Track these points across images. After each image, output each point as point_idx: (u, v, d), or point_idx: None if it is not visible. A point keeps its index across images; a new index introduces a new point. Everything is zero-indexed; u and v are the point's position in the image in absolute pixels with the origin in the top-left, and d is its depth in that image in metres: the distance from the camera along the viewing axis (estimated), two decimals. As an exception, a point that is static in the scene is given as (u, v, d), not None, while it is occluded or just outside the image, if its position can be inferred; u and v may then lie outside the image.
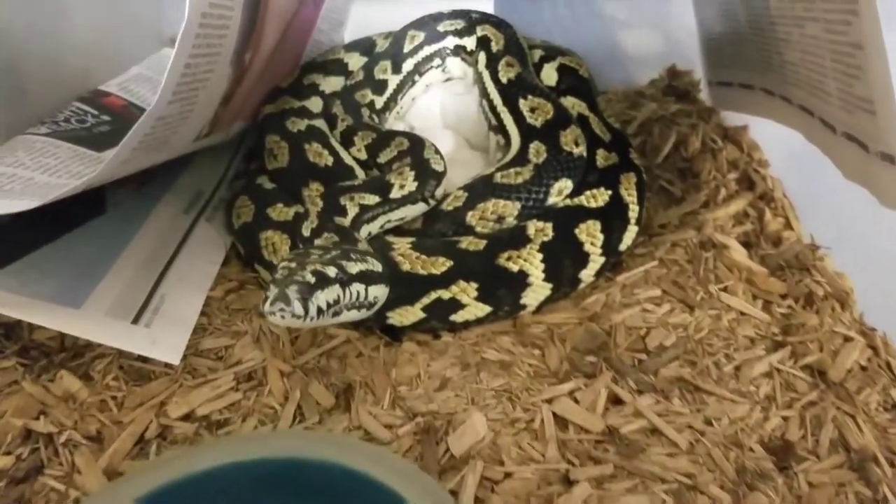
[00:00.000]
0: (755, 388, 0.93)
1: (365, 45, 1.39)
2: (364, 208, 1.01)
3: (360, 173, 1.15)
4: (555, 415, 0.88)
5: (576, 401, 0.90)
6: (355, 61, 1.36)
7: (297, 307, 0.73)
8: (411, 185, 1.04)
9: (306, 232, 0.95)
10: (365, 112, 1.24)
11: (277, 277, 0.76)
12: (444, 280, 0.99)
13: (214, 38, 0.83)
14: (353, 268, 0.83)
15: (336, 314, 0.80)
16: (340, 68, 1.35)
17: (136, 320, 0.91)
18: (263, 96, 1.27)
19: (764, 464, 0.83)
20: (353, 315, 0.85)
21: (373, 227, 1.04)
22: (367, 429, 0.86)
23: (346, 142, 1.20)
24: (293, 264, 0.79)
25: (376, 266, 0.88)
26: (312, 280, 0.76)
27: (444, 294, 0.98)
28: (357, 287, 0.83)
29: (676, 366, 0.95)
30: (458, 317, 1.00)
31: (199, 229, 1.14)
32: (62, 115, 1.15)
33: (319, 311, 0.76)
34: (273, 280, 0.76)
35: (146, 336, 0.90)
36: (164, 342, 0.90)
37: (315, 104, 1.28)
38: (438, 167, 1.08)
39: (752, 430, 0.87)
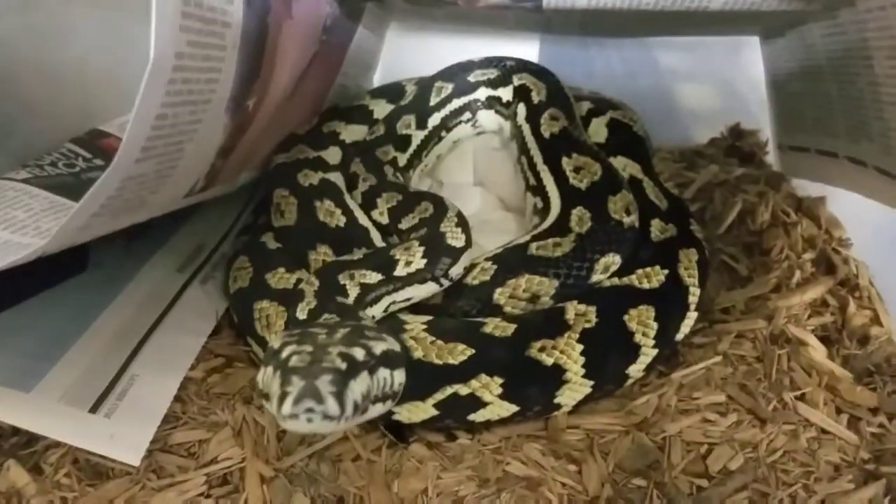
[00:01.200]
0: (844, 533, 0.74)
1: (393, 92, 1.26)
2: (366, 287, 0.86)
3: (377, 237, 1.01)
4: (591, 558, 0.70)
5: (618, 540, 0.72)
6: (381, 108, 1.23)
7: (332, 406, 0.56)
8: (419, 263, 0.88)
9: (301, 314, 0.78)
10: (388, 170, 1.10)
11: (292, 366, 0.59)
12: (463, 372, 0.83)
13: (200, 84, 0.69)
14: (377, 347, 0.66)
15: (364, 411, 0.63)
16: (364, 116, 1.21)
17: (95, 408, 0.78)
18: (276, 144, 1.14)
19: None
20: (378, 409, 0.67)
21: (376, 311, 0.88)
22: (358, 562, 0.70)
23: (369, 204, 1.05)
24: (307, 347, 0.62)
25: (395, 345, 0.72)
26: (344, 367, 0.59)
27: (462, 389, 0.82)
28: (384, 373, 0.66)
29: (744, 498, 0.77)
30: (477, 416, 0.84)
31: (191, 293, 1.01)
32: (48, 158, 1.03)
33: (355, 407, 0.59)
34: (286, 369, 0.59)
35: (104, 429, 0.76)
36: (125, 437, 0.76)
37: (333, 155, 1.14)
38: (456, 242, 0.92)
39: None
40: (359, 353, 0.63)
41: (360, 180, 1.07)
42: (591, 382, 0.87)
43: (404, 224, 1.01)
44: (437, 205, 0.98)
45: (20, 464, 0.78)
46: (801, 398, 0.89)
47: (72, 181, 1.00)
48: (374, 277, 0.86)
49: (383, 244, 1.00)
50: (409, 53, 1.55)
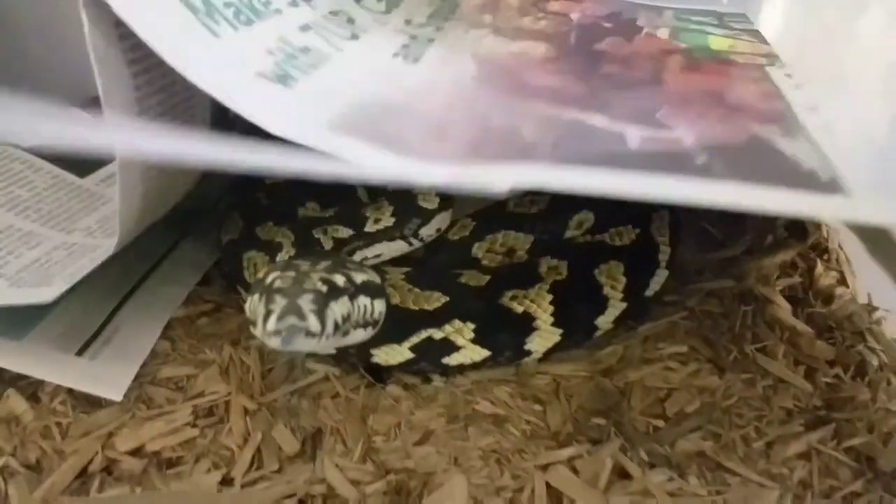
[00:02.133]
0: (788, 470, 0.78)
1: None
2: (339, 242, 0.92)
3: (363, 194, 1.06)
4: (548, 486, 0.75)
5: (575, 470, 0.77)
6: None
7: (314, 322, 0.60)
8: (387, 221, 0.94)
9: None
10: None
11: (276, 287, 0.62)
12: (437, 318, 0.88)
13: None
14: (357, 277, 0.71)
15: (345, 333, 0.68)
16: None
17: (81, 352, 0.84)
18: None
19: (794, 566, 0.70)
20: (360, 335, 0.72)
21: None
22: (331, 483, 0.75)
23: None
24: (290, 272, 0.65)
25: (375, 278, 0.77)
26: (325, 289, 0.63)
27: (437, 333, 0.87)
28: (364, 300, 0.71)
29: (698, 437, 0.81)
30: (451, 360, 0.89)
31: (180, 248, 1.06)
32: (54, 125, 1.08)
33: (336, 326, 0.63)
34: (270, 290, 0.62)
35: (88, 370, 0.82)
36: (108, 377, 0.81)
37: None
38: (428, 205, 0.96)
39: (782, 522, 0.74)
40: (339, 280, 0.67)
41: None
42: (560, 331, 0.91)
43: None
44: None
45: (19, 393, 0.83)
46: (762, 350, 0.94)
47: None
48: (345, 232, 0.92)
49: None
50: None
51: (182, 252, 1.07)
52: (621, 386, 0.89)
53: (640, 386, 0.88)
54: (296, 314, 0.59)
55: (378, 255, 0.96)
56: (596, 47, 0.90)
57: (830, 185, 0.56)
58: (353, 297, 0.68)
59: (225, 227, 1.04)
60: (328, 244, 0.91)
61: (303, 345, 0.61)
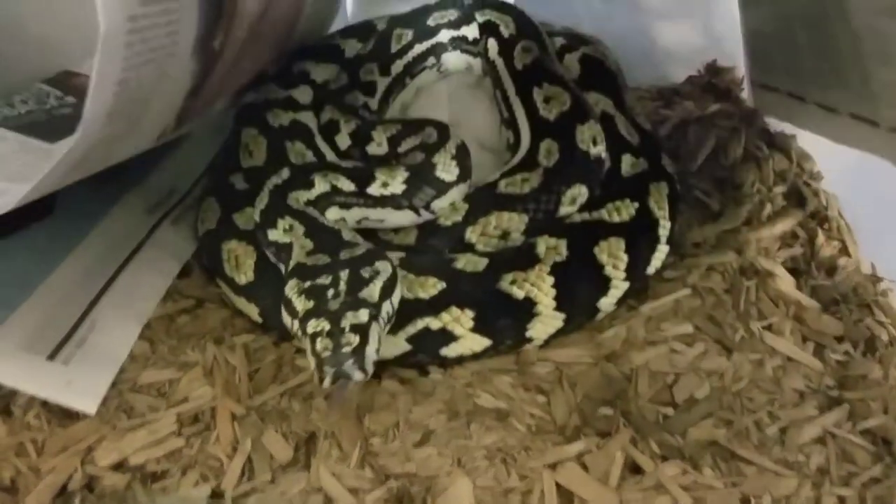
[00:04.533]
0: (805, 457, 0.76)
1: (364, 31, 1.23)
2: (336, 190, 0.89)
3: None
4: (558, 486, 0.71)
5: (585, 467, 0.73)
6: (351, 47, 1.20)
7: (359, 376, 0.68)
8: (396, 187, 0.89)
9: (256, 216, 0.86)
10: (364, 114, 1.08)
11: (321, 351, 0.68)
12: (434, 305, 0.83)
13: (161, 39, 0.67)
14: (375, 290, 0.74)
15: (379, 350, 0.72)
16: (334, 55, 1.19)
17: (53, 355, 0.78)
18: (255, 68, 1.11)
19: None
20: (387, 332, 0.77)
21: (349, 216, 0.91)
22: (329, 493, 0.71)
23: (362, 139, 1.02)
24: (325, 324, 0.70)
25: (386, 267, 0.78)
26: (357, 341, 0.69)
27: (434, 323, 0.83)
28: (386, 308, 0.75)
29: (710, 425, 0.78)
30: (450, 350, 0.85)
31: (161, 234, 1.00)
32: (18, 97, 1.01)
33: (373, 364, 0.70)
34: (317, 355, 0.68)
35: (61, 376, 0.76)
36: (82, 384, 0.76)
37: (303, 94, 1.12)
38: (446, 175, 0.91)
39: (802, 512, 0.71)
40: (364, 315, 0.71)
41: (341, 124, 1.04)
42: (563, 315, 0.87)
43: (403, 147, 0.99)
44: (440, 133, 0.97)
45: (-11, 405, 0.78)
46: (769, 328, 0.91)
47: (44, 118, 0.97)
48: (346, 185, 0.89)
49: None
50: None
51: (161, 237, 1.01)
52: (627, 371, 0.85)
53: (647, 371, 0.85)
54: (344, 377, 0.67)
55: (381, 221, 0.92)
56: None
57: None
58: (377, 318, 0.73)
59: (202, 216, 0.98)
60: (322, 187, 0.89)
61: (354, 386, 0.72)
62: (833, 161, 1.15)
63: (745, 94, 1.41)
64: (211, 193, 1.01)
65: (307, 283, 0.75)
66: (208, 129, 1.16)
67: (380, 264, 0.78)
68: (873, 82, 0.96)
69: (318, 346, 0.69)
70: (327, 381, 0.67)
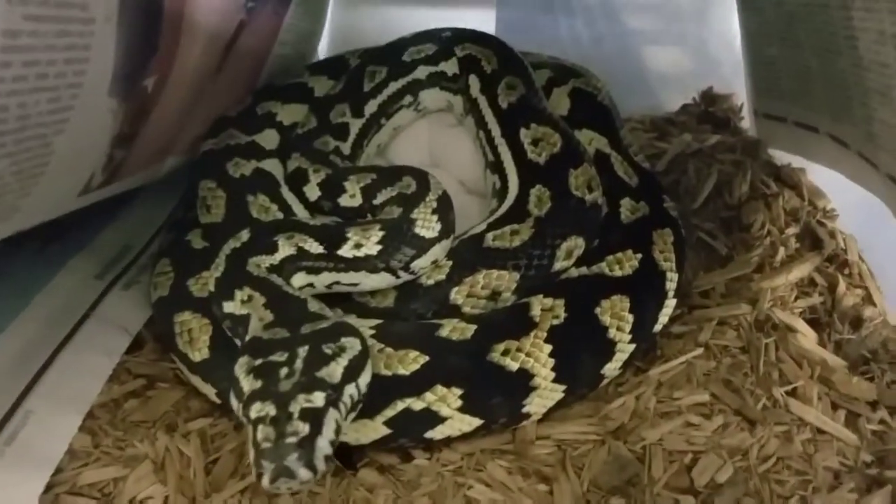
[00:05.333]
0: (847, 553, 0.66)
1: (335, 67, 1.14)
2: (302, 253, 0.79)
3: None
4: None
5: (596, 576, 0.63)
6: (321, 85, 1.10)
7: (305, 474, 0.57)
8: (371, 248, 0.79)
9: (211, 285, 0.76)
10: (336, 160, 0.97)
11: (261, 441, 0.58)
12: (416, 384, 0.73)
13: (58, 66, 0.57)
14: (336, 370, 0.64)
15: (337, 443, 0.61)
16: (303, 94, 1.09)
17: (-22, 457, 0.66)
18: (208, 124, 1.02)
19: None
20: (350, 420, 0.65)
21: (318, 282, 0.81)
22: None
23: (333, 192, 0.92)
24: (270, 408, 0.60)
25: (355, 344, 0.68)
26: (307, 430, 0.59)
27: (416, 404, 0.73)
28: (349, 390, 0.64)
29: (737, 516, 0.68)
30: (436, 433, 0.74)
31: (110, 302, 0.89)
32: None
33: (327, 458, 0.59)
34: (257, 445, 0.58)
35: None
36: (11, 492, 0.65)
37: (269, 139, 1.02)
38: (427, 231, 0.81)
39: None
40: (319, 398, 0.61)
41: (309, 173, 0.94)
42: (563, 387, 0.77)
43: (379, 198, 0.89)
44: (419, 182, 0.88)
45: None
46: (793, 393, 0.81)
47: None
48: (314, 247, 0.79)
49: None
50: (360, 19, 1.43)
51: (110, 306, 0.90)
52: (638, 451, 0.75)
53: (661, 449, 0.75)
54: (286, 475, 0.57)
55: (354, 285, 0.82)
56: None
57: None
58: (337, 403, 0.62)
59: (154, 280, 0.88)
60: (286, 251, 0.78)
61: (302, 488, 0.61)
62: (847, 197, 1.06)
63: (746, 122, 1.33)
64: (166, 253, 0.91)
65: (258, 361, 0.64)
66: (167, 176, 1.05)
67: (346, 340, 0.67)
68: (875, 122, 0.88)
69: (259, 434, 0.58)
70: (265, 481, 0.57)
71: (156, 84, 0.75)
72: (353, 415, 0.65)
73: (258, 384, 0.62)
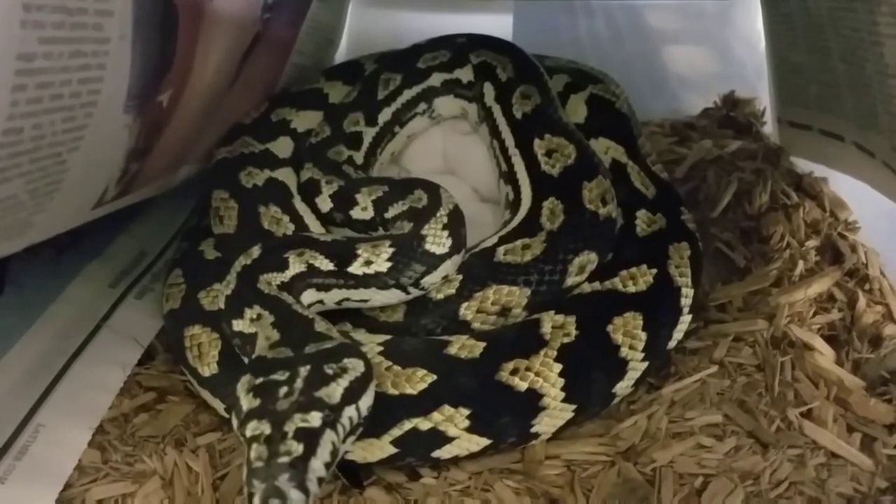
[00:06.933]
0: (860, 586, 0.64)
1: (350, 71, 1.13)
2: (312, 270, 0.78)
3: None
4: None
5: None
6: (337, 91, 1.10)
7: (296, 496, 0.56)
8: (380, 265, 0.78)
9: (221, 302, 0.76)
10: (349, 170, 0.97)
11: (253, 460, 0.58)
12: (423, 404, 0.72)
13: (73, 86, 0.57)
14: (336, 391, 0.63)
15: (333, 466, 0.61)
16: (318, 100, 1.08)
17: (-10, 472, 0.67)
18: (223, 134, 1.02)
19: None
20: (348, 446, 0.65)
21: (327, 299, 0.80)
22: None
23: (345, 204, 0.91)
24: (265, 427, 0.59)
25: (358, 365, 0.67)
26: (300, 450, 0.58)
27: (423, 424, 0.72)
28: (348, 412, 0.63)
29: (747, 545, 0.67)
30: (443, 452, 0.74)
31: (123, 312, 0.90)
32: None
33: (321, 480, 0.59)
34: (249, 464, 0.58)
35: (-4, 498, 0.65)
36: (22, 505, 0.65)
37: (283, 147, 1.02)
38: (437, 248, 0.80)
39: None
40: (315, 419, 0.60)
41: (322, 185, 0.93)
42: (573, 407, 0.77)
43: (391, 212, 0.89)
44: (431, 196, 0.87)
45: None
46: (808, 415, 0.79)
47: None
48: (324, 264, 0.79)
49: None
50: (377, 23, 1.43)
51: (123, 316, 0.91)
52: (648, 473, 0.74)
53: (672, 472, 0.74)
54: (277, 496, 0.55)
55: (364, 301, 0.81)
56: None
57: None
58: (335, 424, 0.61)
59: (166, 291, 0.88)
60: (297, 268, 0.78)
61: None
62: (869, 210, 1.04)
63: (769, 128, 1.30)
64: (178, 264, 0.91)
65: (259, 380, 0.64)
66: (182, 183, 1.06)
67: (349, 361, 0.66)
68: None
69: (252, 453, 0.58)
70: (256, 501, 0.56)
71: (171, 98, 0.75)
72: (352, 438, 0.65)
73: (256, 402, 0.62)
